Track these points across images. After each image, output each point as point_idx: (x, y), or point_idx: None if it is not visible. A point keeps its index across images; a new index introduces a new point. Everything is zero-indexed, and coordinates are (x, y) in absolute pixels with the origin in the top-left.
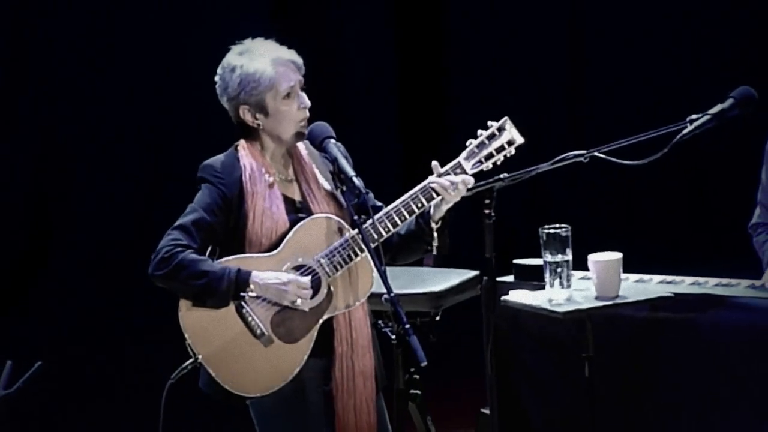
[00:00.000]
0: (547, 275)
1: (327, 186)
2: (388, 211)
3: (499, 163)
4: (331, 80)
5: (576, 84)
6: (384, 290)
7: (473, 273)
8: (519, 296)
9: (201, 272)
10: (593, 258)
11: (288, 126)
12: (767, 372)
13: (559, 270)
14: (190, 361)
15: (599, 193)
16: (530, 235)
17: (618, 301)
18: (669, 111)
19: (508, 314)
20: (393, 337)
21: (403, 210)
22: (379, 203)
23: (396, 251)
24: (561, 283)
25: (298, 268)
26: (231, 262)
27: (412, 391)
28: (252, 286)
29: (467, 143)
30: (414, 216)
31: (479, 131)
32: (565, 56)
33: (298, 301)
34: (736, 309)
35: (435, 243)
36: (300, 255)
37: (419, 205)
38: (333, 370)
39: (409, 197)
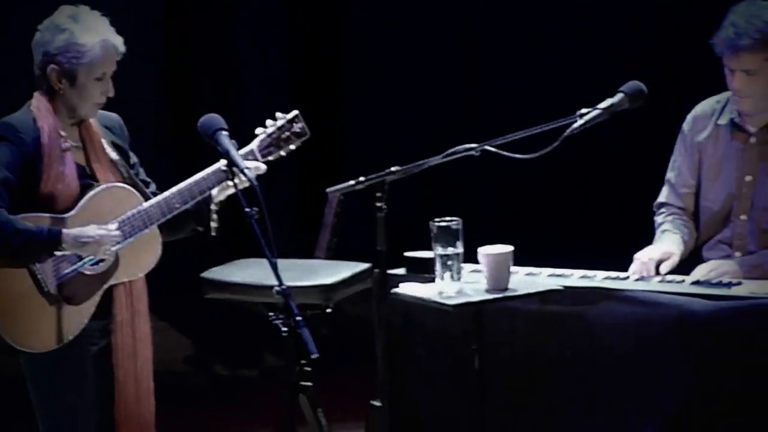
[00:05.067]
0: (437, 268)
1: (113, 156)
2: (180, 189)
3: (285, 154)
4: (225, 77)
5: (468, 78)
6: (275, 282)
7: (365, 266)
8: (410, 289)
9: (15, 231)
10: (484, 251)
11: (86, 104)
12: (654, 365)
13: (449, 263)
14: None
15: (490, 187)
16: (422, 228)
17: (508, 294)
18: (561, 105)
19: (399, 307)
20: (284, 329)
21: (194, 189)
22: None
23: (165, 226)
24: (452, 276)
25: None
26: (28, 219)
27: (303, 383)
28: (64, 245)
29: (256, 131)
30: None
31: (268, 121)
32: (458, 50)
33: (112, 248)
34: (624, 302)
35: (214, 224)
36: (92, 220)
37: (210, 185)
38: (113, 336)
39: (201, 178)
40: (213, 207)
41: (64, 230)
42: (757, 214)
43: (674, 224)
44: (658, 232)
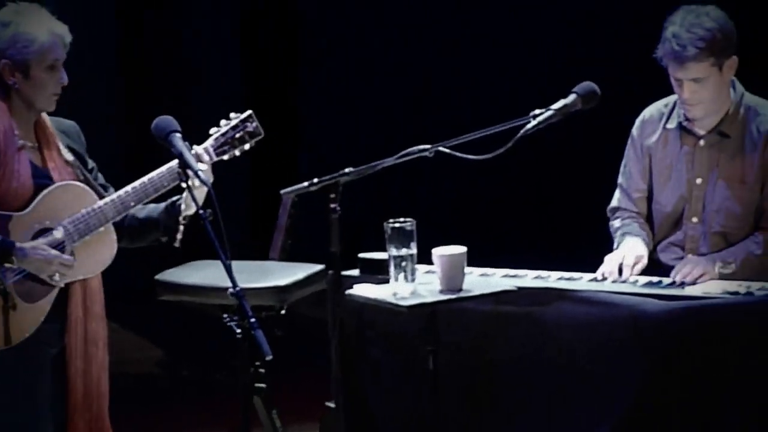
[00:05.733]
0: (391, 269)
1: (68, 157)
2: (135, 187)
3: (239, 153)
4: (179, 79)
5: (422, 79)
6: (229, 284)
7: (319, 267)
8: (364, 290)
9: None
10: (438, 252)
11: (42, 95)
12: (608, 365)
13: (403, 264)
14: None
15: (444, 188)
16: (375, 230)
17: (462, 294)
18: (515, 106)
19: (354, 308)
20: (238, 331)
21: (149, 187)
22: None
23: (129, 233)
24: (406, 277)
25: (44, 231)
26: None
27: (257, 384)
28: (14, 258)
29: (210, 131)
30: (164, 206)
31: (222, 121)
32: (412, 52)
33: (57, 276)
34: (577, 303)
35: (179, 236)
36: (47, 218)
37: (164, 183)
38: (67, 335)
39: (155, 175)
40: (181, 220)
41: (17, 245)
42: (708, 217)
43: (633, 227)
44: (617, 236)
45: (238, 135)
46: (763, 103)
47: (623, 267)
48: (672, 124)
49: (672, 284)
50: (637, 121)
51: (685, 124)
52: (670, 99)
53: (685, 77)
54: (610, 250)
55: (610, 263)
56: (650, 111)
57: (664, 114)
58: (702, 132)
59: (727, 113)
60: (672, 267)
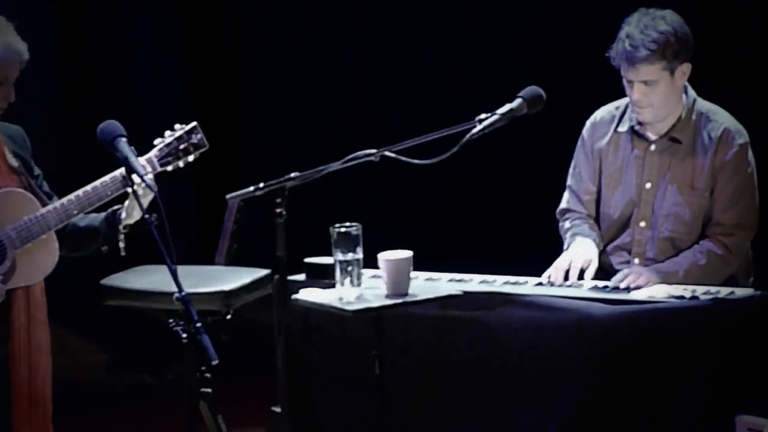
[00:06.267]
0: (337, 274)
1: (14, 163)
2: (78, 195)
3: (183, 165)
4: (122, 87)
5: (368, 84)
6: (175, 289)
7: (265, 272)
8: (310, 295)
9: None
10: (383, 256)
11: None
12: (553, 368)
13: (349, 268)
14: None
15: (390, 193)
16: (321, 234)
17: (408, 299)
18: (461, 110)
19: (300, 313)
20: (184, 335)
21: (93, 195)
22: None
23: (69, 242)
24: (352, 282)
25: None
26: None
27: (203, 389)
28: None
29: (155, 142)
30: (104, 215)
31: (167, 132)
32: (356, 56)
33: None
34: (523, 307)
35: (122, 245)
36: None
37: (109, 192)
38: (10, 342)
39: (99, 184)
40: (122, 229)
41: None
42: (657, 221)
43: (583, 228)
44: (567, 237)
45: (182, 146)
46: (715, 109)
47: (571, 270)
48: (623, 128)
49: (617, 288)
50: (588, 123)
51: (637, 128)
52: (622, 102)
53: (636, 79)
54: (558, 252)
55: (558, 267)
56: (601, 113)
57: (616, 117)
58: (653, 137)
59: (679, 119)
60: (618, 270)
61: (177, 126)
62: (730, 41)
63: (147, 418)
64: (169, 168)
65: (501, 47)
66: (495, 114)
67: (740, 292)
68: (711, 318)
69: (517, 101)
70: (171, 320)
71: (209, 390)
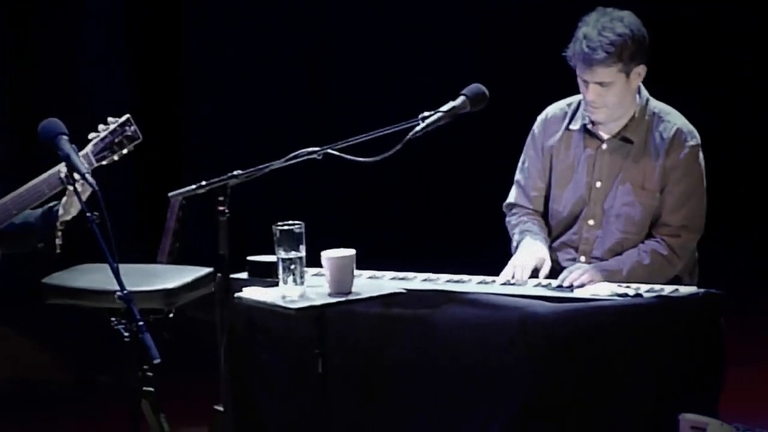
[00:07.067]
0: (280, 272)
1: None
2: (18, 194)
3: (118, 158)
4: (64, 83)
5: (311, 81)
6: (117, 287)
7: (207, 270)
8: (252, 293)
9: None
10: (327, 255)
11: None
12: (498, 366)
13: (292, 267)
14: None
15: (333, 191)
16: (264, 232)
17: (351, 297)
18: (404, 108)
19: (243, 311)
20: (126, 334)
21: (32, 193)
22: None
23: (5, 239)
24: (294, 280)
25: None
26: None
27: (145, 388)
28: None
29: (90, 136)
30: (40, 212)
31: (101, 126)
32: (300, 54)
33: None
34: (467, 305)
35: (59, 241)
36: None
37: (47, 189)
38: None
39: (37, 182)
40: (59, 225)
41: None
42: (606, 220)
43: (532, 225)
44: (516, 233)
45: (116, 140)
46: (667, 109)
47: (519, 269)
48: (575, 126)
49: (561, 286)
50: (539, 119)
51: (589, 126)
52: (574, 99)
53: (592, 80)
54: (503, 249)
55: (517, 266)
56: (553, 110)
57: (567, 114)
58: (606, 136)
59: (631, 118)
60: (564, 267)
61: (110, 119)
62: (685, 42)
63: (89, 417)
64: (105, 162)
65: (445, 45)
66: (438, 112)
67: (684, 290)
68: (655, 316)
69: (460, 99)
70: (113, 319)
71: (151, 389)
